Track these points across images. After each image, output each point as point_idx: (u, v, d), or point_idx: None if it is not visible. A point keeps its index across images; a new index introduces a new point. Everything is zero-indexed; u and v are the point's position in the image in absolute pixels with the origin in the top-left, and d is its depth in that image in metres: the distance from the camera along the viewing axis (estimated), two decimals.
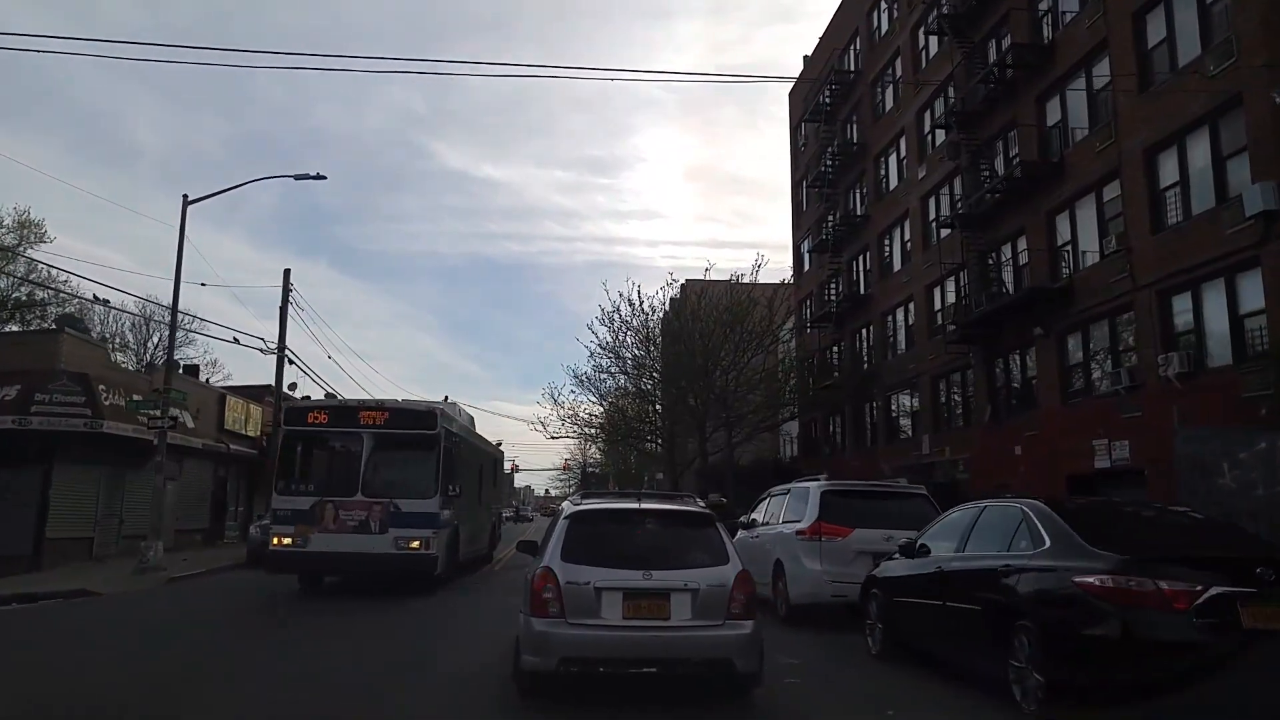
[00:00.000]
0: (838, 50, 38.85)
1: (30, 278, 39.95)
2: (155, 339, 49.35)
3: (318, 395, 31.30)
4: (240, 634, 11.52)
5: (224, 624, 12.46)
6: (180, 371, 36.94)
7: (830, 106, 39.23)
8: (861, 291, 36.23)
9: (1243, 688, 5.56)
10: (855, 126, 37.90)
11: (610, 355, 38.72)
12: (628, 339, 38.34)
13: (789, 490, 13.61)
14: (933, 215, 30.11)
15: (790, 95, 46.95)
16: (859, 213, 36.79)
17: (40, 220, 42.75)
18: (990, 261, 25.98)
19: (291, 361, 30.15)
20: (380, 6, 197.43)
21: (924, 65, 30.97)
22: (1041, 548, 6.65)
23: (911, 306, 31.60)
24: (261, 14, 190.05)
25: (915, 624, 8.53)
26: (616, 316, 37.66)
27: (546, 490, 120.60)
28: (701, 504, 8.26)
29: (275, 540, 14.92)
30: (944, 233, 28.66)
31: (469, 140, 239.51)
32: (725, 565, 6.90)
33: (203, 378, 40.36)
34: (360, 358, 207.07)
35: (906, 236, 32.31)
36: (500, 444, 30.13)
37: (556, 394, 42.52)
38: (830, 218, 39.05)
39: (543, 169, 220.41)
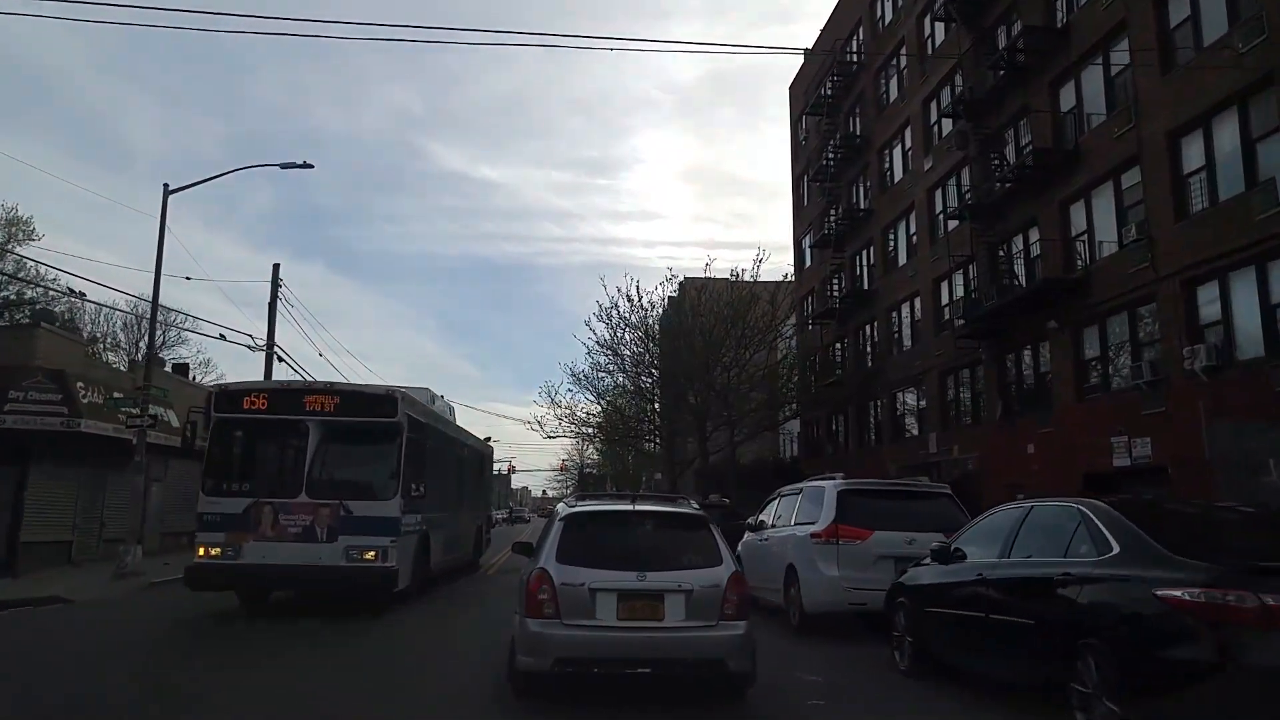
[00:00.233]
0: (840, 41, 38.01)
1: (19, 275, 39.08)
2: (148, 339, 48.50)
3: None
4: (211, 647, 10.63)
5: (196, 635, 11.56)
6: (169, 370, 36.16)
7: (832, 99, 38.42)
8: (865, 287, 35.40)
9: None
10: (858, 119, 37.09)
11: (608, 352, 37.89)
12: (626, 336, 37.52)
13: (801, 490, 12.74)
14: (939, 208, 29.33)
15: (790, 89, 46.16)
16: (862, 207, 35.97)
17: (29, 218, 41.93)
18: (1001, 254, 25.18)
19: (281, 359, 29.26)
20: (378, 6, 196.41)
21: (930, 54, 30.16)
22: (1109, 554, 5.81)
23: (917, 301, 30.78)
24: (256, 8, 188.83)
25: (952, 638, 7.69)
26: (615, 313, 36.84)
27: (544, 491, 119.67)
28: (696, 505, 8.32)
29: (200, 551, 12.35)
30: (952, 225, 27.86)
31: (466, 141, 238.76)
32: (718, 567, 6.97)
33: (196, 377, 39.46)
34: (355, 356, 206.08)
35: (912, 230, 31.49)
36: (490, 439, 28.74)
37: (553, 393, 41.59)
38: (832, 212, 38.22)
39: (540, 170, 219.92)
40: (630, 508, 7.63)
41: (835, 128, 38.27)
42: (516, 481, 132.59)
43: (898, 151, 33.04)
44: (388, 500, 12.57)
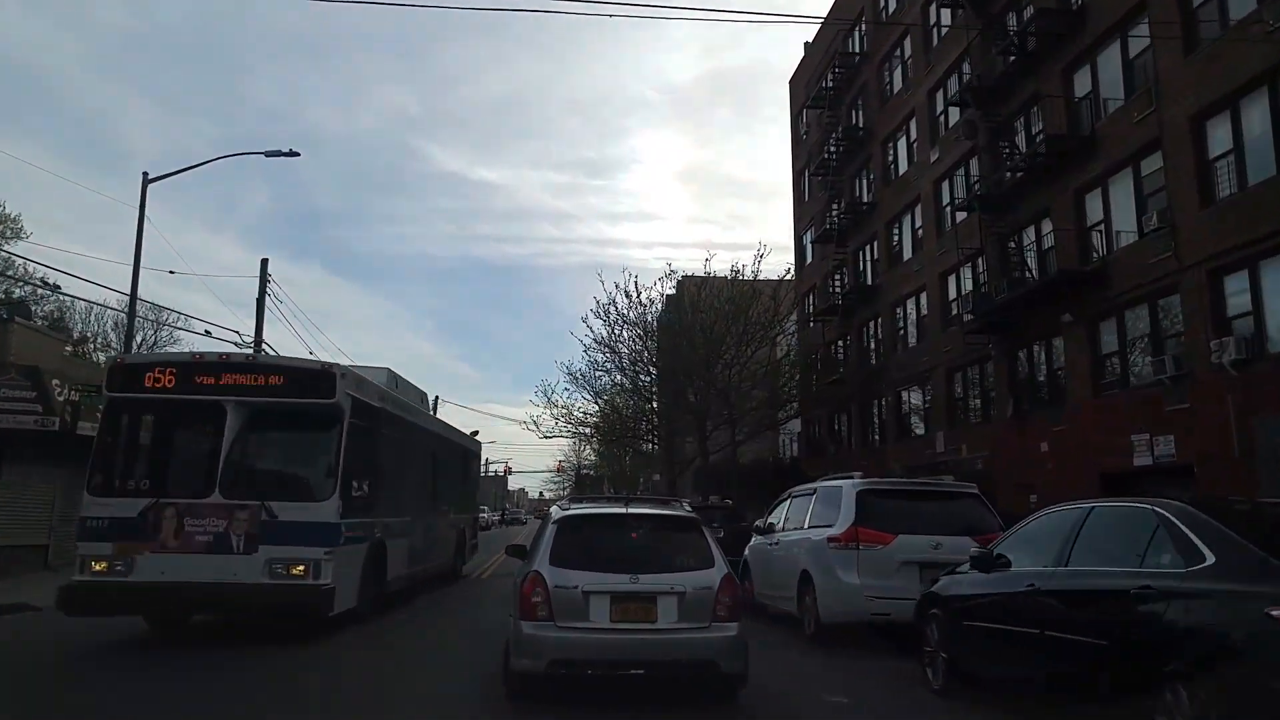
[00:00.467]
0: (842, 32, 37.21)
1: (7, 273, 38.25)
2: (139, 337, 47.54)
3: None
4: (174, 660, 9.73)
5: (162, 646, 10.67)
6: None
7: (834, 91, 37.61)
8: (869, 282, 34.56)
9: None
10: (860, 111, 36.28)
11: (606, 350, 36.98)
12: (624, 333, 36.62)
13: (815, 490, 11.88)
14: (946, 200, 28.52)
15: (791, 82, 45.36)
16: (865, 200, 35.16)
17: (17, 215, 41.16)
18: (1011, 246, 24.35)
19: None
20: (373, 9, 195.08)
21: (936, 43, 29.37)
22: (1200, 564, 4.96)
23: (923, 297, 29.96)
24: (252, 12, 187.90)
25: (997, 657, 6.86)
26: (613, 309, 35.94)
27: (540, 493, 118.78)
28: (689, 507, 8.42)
29: (81, 566, 10.04)
30: (960, 217, 27.05)
31: (463, 142, 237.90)
32: (711, 569, 7.03)
33: None
34: (349, 357, 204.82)
35: (918, 223, 30.67)
36: (477, 433, 27.27)
37: (550, 391, 40.64)
38: (835, 206, 37.41)
39: (537, 171, 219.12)
40: (623, 510, 7.70)
41: (837, 120, 37.45)
42: (513, 483, 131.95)
43: (902, 143, 32.23)
44: (323, 501, 10.26)
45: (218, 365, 10.68)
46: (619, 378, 38.66)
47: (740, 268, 35.83)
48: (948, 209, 28.30)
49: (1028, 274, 23.54)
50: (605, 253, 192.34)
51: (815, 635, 10.46)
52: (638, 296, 35.98)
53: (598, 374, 38.46)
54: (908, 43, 31.49)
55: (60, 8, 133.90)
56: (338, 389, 10.59)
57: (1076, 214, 21.43)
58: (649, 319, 36.61)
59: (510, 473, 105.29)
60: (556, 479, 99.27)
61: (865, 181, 35.76)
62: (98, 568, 9.93)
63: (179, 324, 44.67)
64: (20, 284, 37.30)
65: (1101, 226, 20.69)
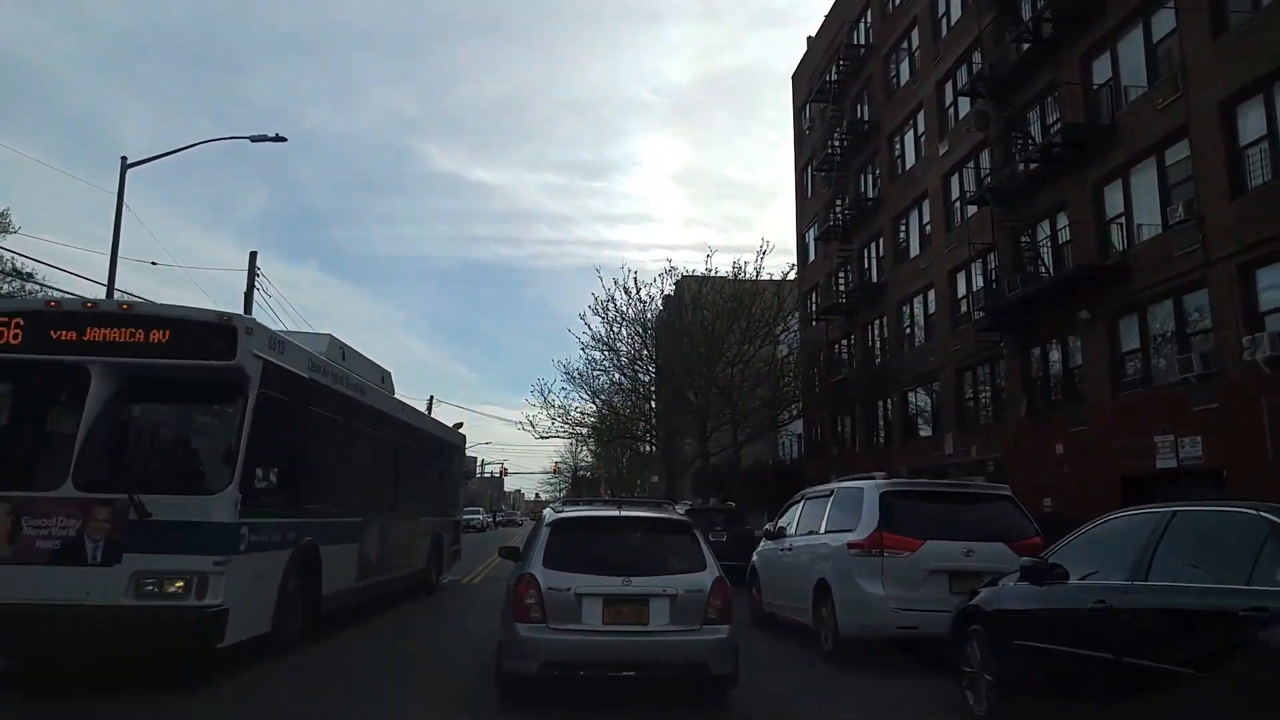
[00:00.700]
0: (847, 24, 36.41)
1: None
2: None
3: None
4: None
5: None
6: None
7: (838, 84, 36.79)
8: (874, 280, 33.73)
9: None
10: (866, 105, 35.45)
11: (604, 348, 36.10)
12: (622, 331, 35.75)
13: (832, 492, 11.00)
14: (955, 194, 27.70)
15: (793, 77, 44.56)
16: (870, 196, 34.31)
17: (4, 210, 40.20)
18: (1025, 240, 23.51)
19: None
20: (372, 8, 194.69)
21: (945, 33, 28.56)
22: None
23: (931, 294, 29.12)
24: (249, 13, 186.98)
25: (1056, 682, 5.98)
26: (611, 306, 35.06)
27: (537, 494, 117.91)
28: (681, 511, 8.67)
29: None
30: (970, 211, 26.23)
31: (460, 144, 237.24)
32: (702, 571, 7.07)
33: None
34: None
35: (925, 219, 29.84)
36: (460, 425, 24.03)
37: (546, 391, 39.67)
38: (838, 203, 36.56)
39: (534, 172, 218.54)
40: (616, 513, 7.73)
41: (841, 115, 36.64)
42: (510, 484, 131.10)
43: (909, 137, 31.40)
44: (214, 495, 7.74)
45: (80, 316, 8.13)
46: (617, 376, 37.83)
47: (743, 264, 35.03)
48: (957, 204, 27.49)
49: (1042, 269, 22.71)
50: (602, 254, 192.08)
51: (834, 650, 9.58)
52: (637, 293, 35.15)
53: (595, 373, 37.62)
54: (915, 34, 30.67)
55: (59, 6, 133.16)
56: (239, 348, 7.98)
57: (1095, 207, 20.59)
58: (648, 316, 35.77)
59: (506, 474, 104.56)
60: (553, 480, 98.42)
61: (870, 177, 34.94)
62: None
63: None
64: (9, 279, 36.39)
65: (1122, 219, 19.86)
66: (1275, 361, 15.10)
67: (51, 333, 7.99)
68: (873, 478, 10.27)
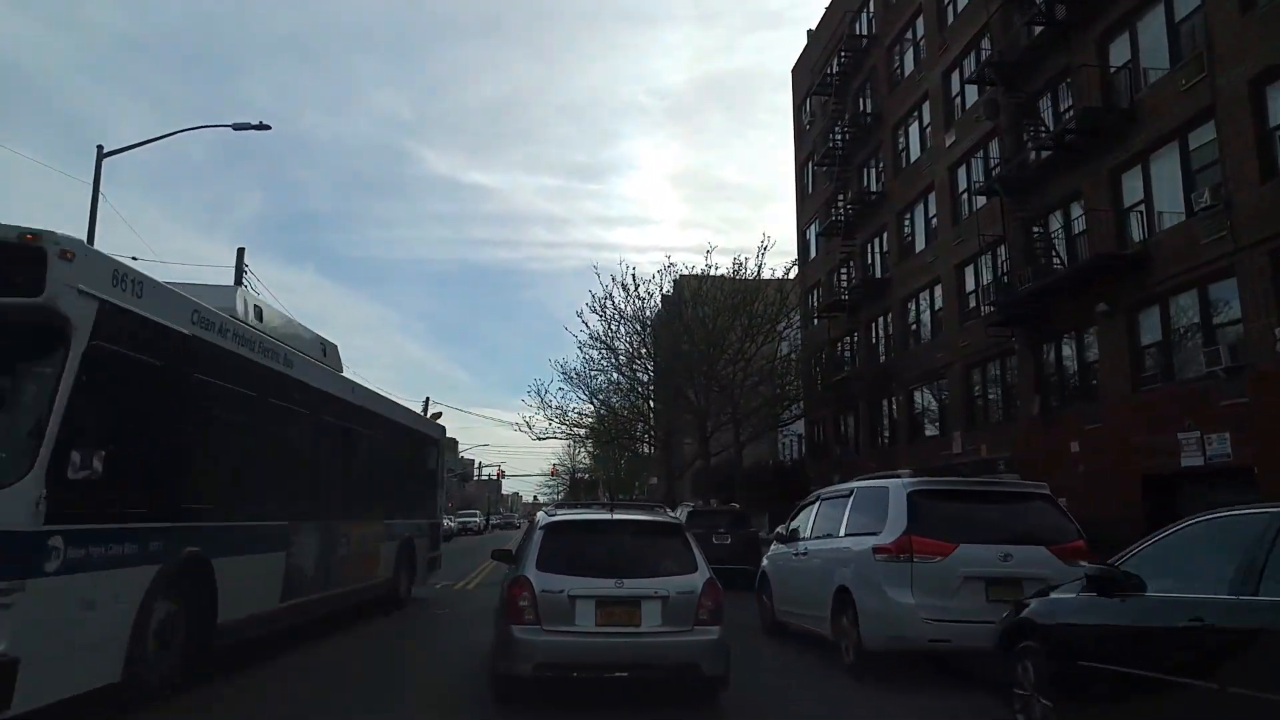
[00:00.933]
0: (849, 14, 35.62)
1: None
2: None
3: None
4: None
5: None
6: None
7: (840, 77, 35.99)
8: (878, 276, 32.91)
9: None
10: (868, 97, 34.66)
11: (602, 347, 35.27)
12: (621, 329, 34.92)
13: (851, 491, 10.14)
14: (963, 186, 26.90)
15: (794, 71, 43.77)
16: (874, 190, 33.52)
17: None
18: (1037, 231, 22.71)
19: None
20: (369, 11, 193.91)
21: (951, 20, 27.79)
22: None
23: (938, 289, 28.33)
24: (245, 15, 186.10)
25: (1134, 713, 5.14)
26: (609, 304, 34.22)
27: (534, 497, 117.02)
28: (683, 513, 8.50)
29: None
30: (979, 203, 25.44)
31: (456, 146, 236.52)
32: (694, 573, 7.13)
33: None
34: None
35: (931, 212, 29.04)
36: (439, 415, 21.98)
37: (543, 391, 38.86)
38: (841, 198, 35.74)
39: (530, 175, 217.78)
40: (608, 516, 7.83)
41: (843, 108, 35.84)
42: (507, 487, 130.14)
43: (914, 128, 30.61)
44: (9, 486, 5.32)
45: None
46: (615, 376, 37.00)
47: (743, 261, 34.26)
48: (965, 195, 26.70)
49: (1056, 261, 21.91)
50: (599, 256, 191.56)
51: (856, 664, 8.72)
52: (635, 290, 34.32)
53: (593, 373, 36.79)
54: (920, 22, 29.89)
55: (53, 8, 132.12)
56: (51, 280, 5.66)
57: (1112, 194, 19.79)
58: (647, 314, 34.94)
59: (504, 476, 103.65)
60: (551, 483, 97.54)
61: (874, 171, 34.14)
62: None
63: None
64: None
65: (1141, 207, 19.06)
66: None
67: None
68: (898, 475, 9.40)
